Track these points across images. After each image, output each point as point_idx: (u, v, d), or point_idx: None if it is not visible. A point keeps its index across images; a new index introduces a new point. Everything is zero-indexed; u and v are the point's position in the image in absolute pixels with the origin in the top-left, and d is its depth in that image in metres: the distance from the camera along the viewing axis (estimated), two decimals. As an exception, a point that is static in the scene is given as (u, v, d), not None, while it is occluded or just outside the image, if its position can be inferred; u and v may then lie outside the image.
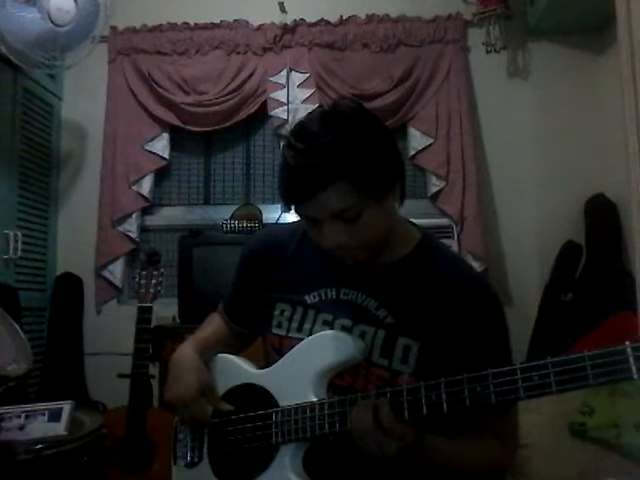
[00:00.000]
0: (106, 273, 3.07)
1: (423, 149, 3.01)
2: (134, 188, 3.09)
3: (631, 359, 0.78)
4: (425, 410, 0.93)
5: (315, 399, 1.04)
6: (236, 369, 1.21)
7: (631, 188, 1.64)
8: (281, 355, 1.13)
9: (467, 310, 1.06)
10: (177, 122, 3.12)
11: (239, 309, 1.30)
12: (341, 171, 0.95)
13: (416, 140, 3.04)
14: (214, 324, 1.35)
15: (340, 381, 1.07)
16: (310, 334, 1.10)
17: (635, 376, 0.77)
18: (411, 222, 1.19)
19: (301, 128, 1.01)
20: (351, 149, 0.96)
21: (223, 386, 1.20)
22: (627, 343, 0.78)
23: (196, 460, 1.20)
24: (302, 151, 0.97)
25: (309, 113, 1.07)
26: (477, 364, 0.92)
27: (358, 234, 1.01)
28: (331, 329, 1.09)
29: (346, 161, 0.95)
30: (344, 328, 1.09)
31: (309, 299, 1.14)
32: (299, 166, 0.96)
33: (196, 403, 1.17)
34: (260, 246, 1.25)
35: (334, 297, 1.12)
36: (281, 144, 3.26)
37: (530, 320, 2.75)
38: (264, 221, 2.93)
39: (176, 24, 3.18)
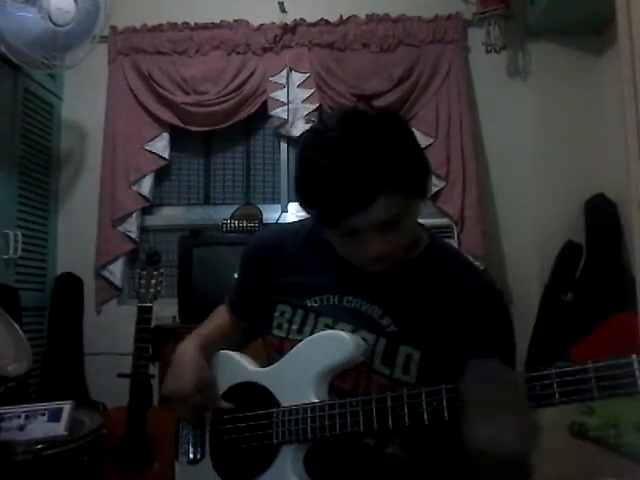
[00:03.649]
0: (106, 273, 3.07)
1: (423, 149, 2.99)
2: (134, 188, 3.09)
3: (637, 372, 0.75)
4: (426, 417, 0.92)
5: (316, 400, 1.03)
6: (238, 367, 1.20)
7: (631, 188, 1.64)
8: (282, 356, 1.12)
9: (478, 316, 1.04)
10: (177, 122, 3.12)
11: (243, 305, 1.29)
12: (390, 179, 0.92)
13: (416, 140, 3.03)
14: (219, 318, 1.33)
15: (342, 384, 1.06)
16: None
17: None
18: (419, 223, 1.15)
19: (331, 137, 0.94)
20: (396, 154, 0.93)
21: (225, 383, 1.19)
22: (634, 356, 0.76)
23: (198, 457, 1.19)
24: (344, 164, 0.91)
25: (327, 118, 1.04)
26: None
27: (397, 241, 0.99)
28: None
29: (393, 168, 0.92)
30: None
31: (310, 303, 1.12)
32: (346, 179, 0.90)
33: (193, 399, 1.16)
34: (264, 245, 1.23)
35: (336, 303, 1.11)
36: (281, 144, 3.26)
37: (530, 320, 2.75)
38: (264, 221, 2.93)
39: (176, 24, 3.19)
